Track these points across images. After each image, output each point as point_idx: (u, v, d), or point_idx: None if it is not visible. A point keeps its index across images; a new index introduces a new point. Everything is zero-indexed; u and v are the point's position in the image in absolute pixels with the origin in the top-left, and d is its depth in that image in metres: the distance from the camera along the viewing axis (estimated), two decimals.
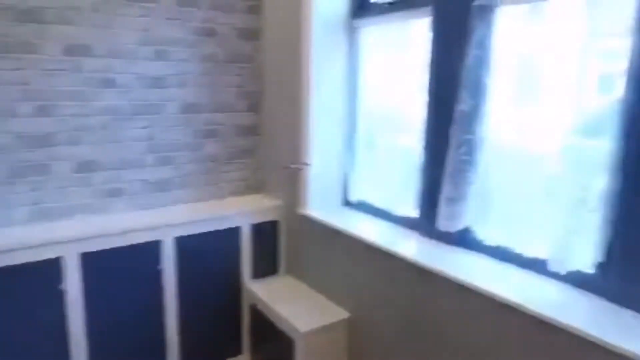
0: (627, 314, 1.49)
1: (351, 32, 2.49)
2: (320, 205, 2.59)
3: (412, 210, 2.26)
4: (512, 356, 1.63)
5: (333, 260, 2.45)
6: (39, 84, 2.22)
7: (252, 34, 2.77)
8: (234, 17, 2.68)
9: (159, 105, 2.54)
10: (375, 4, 2.37)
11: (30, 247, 2.06)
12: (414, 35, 2.26)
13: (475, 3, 1.83)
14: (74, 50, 2.27)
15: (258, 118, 2.88)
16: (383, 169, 2.44)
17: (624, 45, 1.45)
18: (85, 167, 2.39)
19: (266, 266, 2.76)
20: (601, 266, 1.59)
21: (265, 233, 2.72)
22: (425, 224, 2.17)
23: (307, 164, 2.49)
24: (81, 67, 2.30)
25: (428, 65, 2.09)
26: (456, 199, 2.00)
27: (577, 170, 1.62)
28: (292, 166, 2.53)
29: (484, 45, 1.85)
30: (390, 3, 2.28)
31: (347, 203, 2.64)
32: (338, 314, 2.35)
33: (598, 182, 1.55)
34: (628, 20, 1.43)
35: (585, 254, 1.62)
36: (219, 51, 2.67)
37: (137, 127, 2.49)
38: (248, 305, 2.68)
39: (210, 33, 2.62)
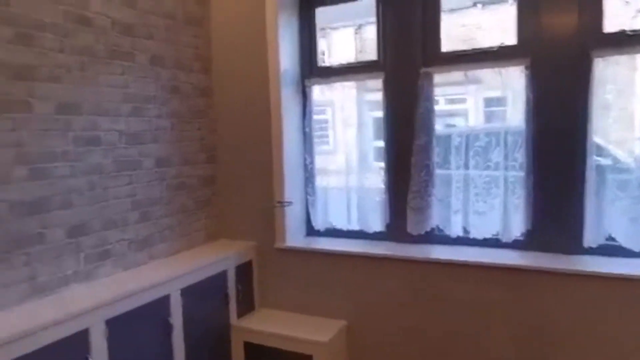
0: None
1: (303, 89, 3.02)
2: (292, 237, 2.95)
3: (378, 225, 2.88)
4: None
5: (315, 281, 2.83)
6: (33, 145, 2.03)
7: (206, 91, 2.99)
8: (191, 76, 2.88)
9: (139, 161, 2.53)
10: (325, 68, 2.98)
11: (52, 326, 1.86)
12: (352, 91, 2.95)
13: (422, 70, 2.64)
14: (64, 108, 2.16)
15: (215, 168, 3.06)
16: (343, 197, 2.99)
17: None
18: (77, 231, 2.22)
19: (245, 304, 2.92)
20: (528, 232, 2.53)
21: (243, 273, 2.90)
22: (394, 232, 2.81)
23: (289, 202, 2.85)
24: (70, 125, 2.19)
25: (383, 114, 2.80)
26: (422, 208, 2.73)
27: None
28: (279, 204, 2.85)
29: (429, 99, 2.68)
30: (346, 67, 2.93)
31: (312, 232, 3.07)
32: (336, 323, 2.74)
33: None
34: None
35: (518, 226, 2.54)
36: (183, 107, 2.82)
37: (121, 185, 2.43)
38: (241, 342, 2.78)
39: (174, 90, 2.76)
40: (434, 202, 2.71)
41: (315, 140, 3.06)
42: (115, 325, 2.07)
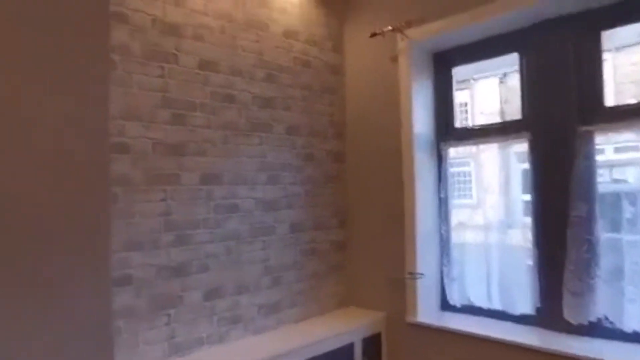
0: None
1: (439, 152, 2.85)
2: (425, 312, 2.71)
3: (525, 306, 2.49)
4: None
5: None
6: (180, 213, 2.23)
7: (339, 157, 3.03)
8: (326, 142, 2.95)
9: (273, 227, 2.62)
10: (463, 129, 2.79)
11: None
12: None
13: (581, 130, 2.28)
14: (207, 179, 2.35)
15: (347, 234, 3.04)
16: (484, 270, 2.68)
17: None
18: (212, 294, 2.34)
19: None
20: None
21: (372, 346, 2.74)
22: (547, 317, 2.39)
23: (420, 275, 2.66)
24: (212, 194, 2.36)
25: (531, 178, 2.47)
26: (583, 292, 2.28)
27: None
28: (411, 275, 2.67)
29: (590, 157, 2.28)
30: (479, 129, 2.71)
31: (447, 307, 2.79)
32: None
33: None
34: None
35: None
36: (317, 173, 2.88)
37: (256, 250, 2.53)
38: None
39: (309, 157, 2.84)
40: (598, 285, 2.26)
41: (454, 194, 2.84)
42: None
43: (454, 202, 2.84)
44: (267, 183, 2.61)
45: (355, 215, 3.03)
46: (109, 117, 1.51)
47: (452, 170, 2.84)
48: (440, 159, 2.84)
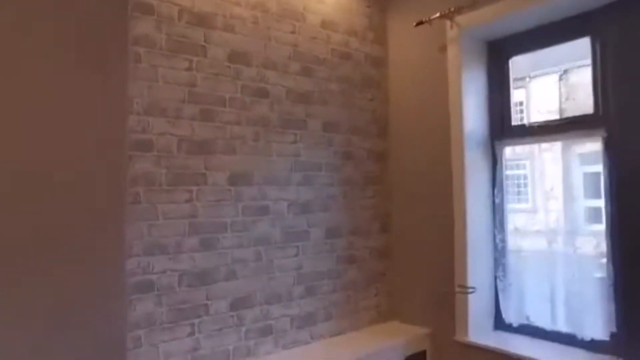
0: None
1: (493, 152, 2.55)
2: (477, 331, 2.42)
3: (597, 331, 2.14)
4: None
5: None
6: (205, 216, 2.08)
7: (381, 156, 2.79)
8: (367, 141, 2.72)
9: (307, 232, 2.42)
10: (521, 127, 2.48)
11: None
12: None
13: None
14: (236, 179, 2.19)
15: (389, 240, 2.79)
16: (546, 285, 2.35)
17: None
18: (239, 304, 2.16)
19: None
20: None
21: None
22: (625, 346, 2.04)
23: (472, 289, 2.37)
24: (241, 195, 2.19)
25: (606, 181, 2.12)
26: None
27: None
28: (460, 289, 2.39)
29: None
30: (540, 126, 2.39)
31: (502, 326, 2.48)
32: None
33: None
34: None
35: None
36: (356, 174, 2.65)
37: (288, 256, 2.34)
38: None
39: (348, 156, 2.62)
40: None
41: (510, 197, 2.53)
42: None
43: (509, 206, 2.53)
44: (300, 183, 2.41)
45: (399, 219, 2.77)
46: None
47: (507, 173, 2.54)
48: (494, 160, 2.54)
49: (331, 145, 2.55)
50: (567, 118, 2.37)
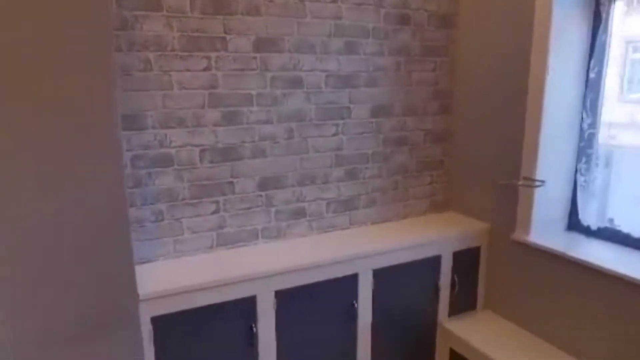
0: None
1: (596, 10, 1.94)
2: (542, 230, 2.07)
3: None
4: None
5: (569, 302, 1.92)
6: (226, 87, 1.86)
7: (449, 21, 2.29)
8: (429, 0, 2.22)
9: (348, 109, 2.13)
10: None
11: (224, 285, 1.71)
12: None
13: None
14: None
15: (450, 122, 2.40)
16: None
17: None
18: (268, 184, 2.02)
19: (463, 301, 2.28)
20: None
21: (466, 262, 2.24)
22: None
23: (541, 182, 1.97)
24: (268, 64, 1.92)
25: None
26: None
27: None
28: (526, 181, 2.02)
29: None
30: None
31: (577, 228, 2.10)
32: None
33: None
34: None
35: None
36: (413, 42, 2.22)
37: (325, 135, 2.10)
38: (446, 349, 2.21)
39: (403, 20, 2.18)
40: None
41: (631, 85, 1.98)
42: (284, 299, 1.82)
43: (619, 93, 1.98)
44: (340, 52, 2.05)
45: (463, 98, 2.34)
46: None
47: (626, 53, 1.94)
48: (597, 21, 1.94)
49: (381, 6, 2.11)
50: None
